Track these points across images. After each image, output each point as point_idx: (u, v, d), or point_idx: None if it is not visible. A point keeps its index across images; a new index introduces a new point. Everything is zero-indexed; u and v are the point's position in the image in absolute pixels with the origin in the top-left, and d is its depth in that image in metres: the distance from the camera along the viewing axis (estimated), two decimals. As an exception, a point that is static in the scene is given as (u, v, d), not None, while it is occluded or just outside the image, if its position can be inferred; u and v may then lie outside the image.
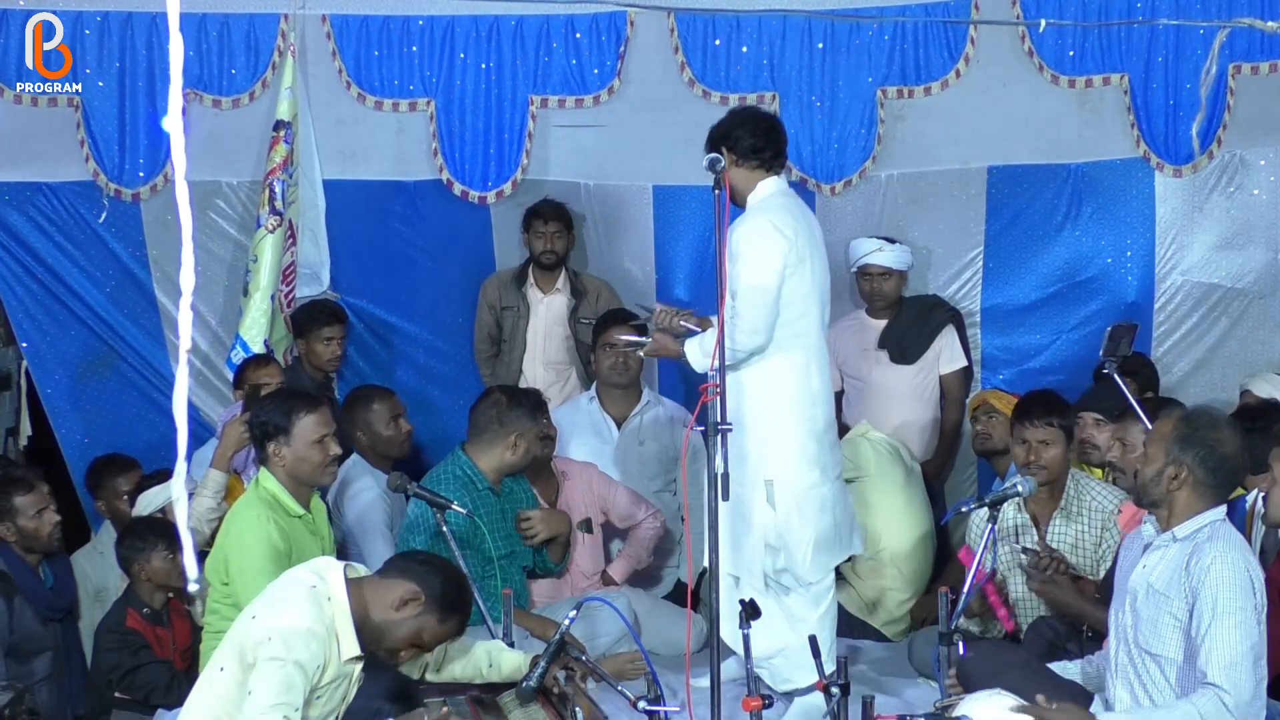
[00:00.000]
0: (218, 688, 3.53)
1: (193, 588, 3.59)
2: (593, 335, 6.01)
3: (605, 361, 5.85)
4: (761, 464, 4.52)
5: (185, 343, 1.99)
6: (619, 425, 5.92)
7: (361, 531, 5.26)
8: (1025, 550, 4.62)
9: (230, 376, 6.05)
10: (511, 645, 4.20)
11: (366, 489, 5.31)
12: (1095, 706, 3.71)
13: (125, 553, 4.86)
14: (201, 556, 4.41)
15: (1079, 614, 4.41)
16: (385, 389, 5.70)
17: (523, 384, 6.21)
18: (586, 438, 5.90)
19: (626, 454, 5.86)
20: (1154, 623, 3.61)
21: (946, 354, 6.19)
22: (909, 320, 6.17)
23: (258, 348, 5.95)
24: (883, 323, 6.19)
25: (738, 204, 4.55)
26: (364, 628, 3.60)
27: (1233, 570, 3.51)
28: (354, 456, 5.39)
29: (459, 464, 5.01)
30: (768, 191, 4.61)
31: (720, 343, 4.07)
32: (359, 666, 3.67)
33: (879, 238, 6.12)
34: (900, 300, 6.20)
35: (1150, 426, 4.34)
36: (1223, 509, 3.67)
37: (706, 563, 4.20)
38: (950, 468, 6.29)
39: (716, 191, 4.23)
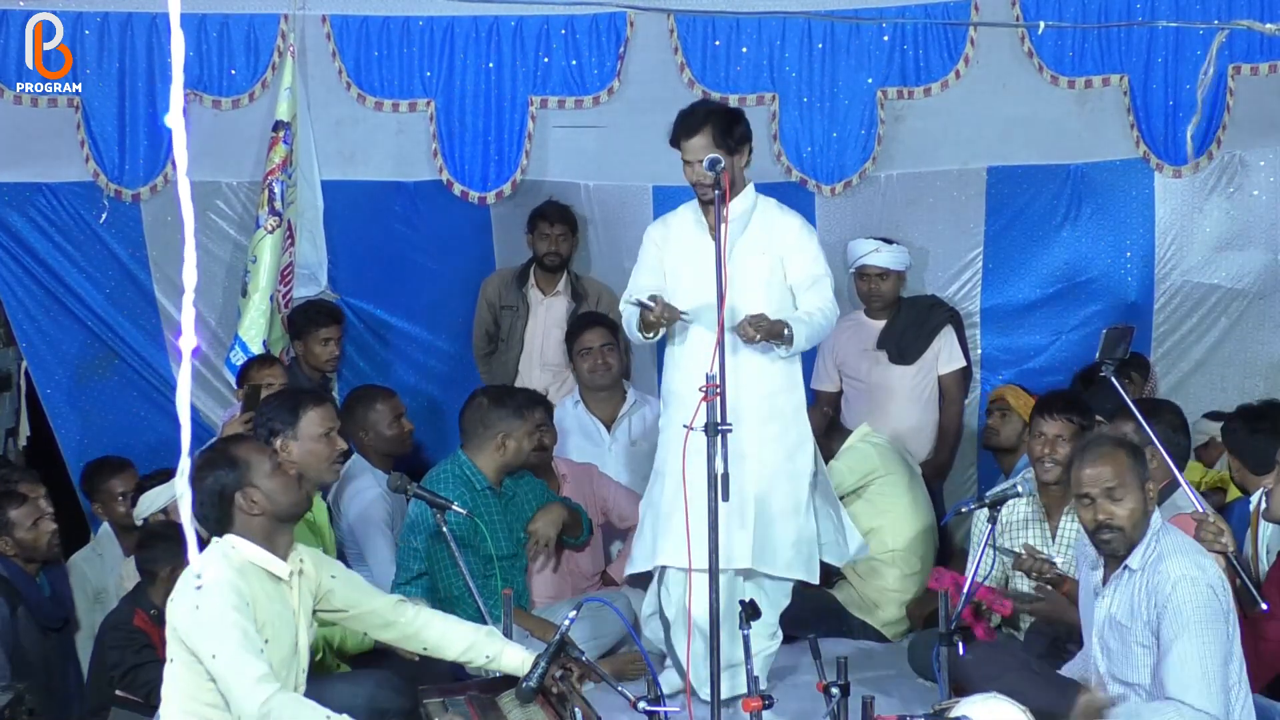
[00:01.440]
0: (177, 680, 3.56)
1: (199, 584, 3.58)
2: (567, 340, 6.02)
3: (584, 365, 5.87)
4: (808, 450, 4.68)
5: (189, 339, 1.97)
6: (608, 427, 5.92)
7: (363, 530, 5.27)
8: (1007, 551, 4.61)
9: (229, 377, 6.05)
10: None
11: (367, 488, 5.32)
12: None
13: (155, 554, 4.82)
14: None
15: (1074, 623, 4.39)
16: (387, 389, 5.71)
17: (519, 384, 6.21)
18: (578, 440, 5.91)
19: (619, 455, 5.85)
20: (1124, 655, 3.64)
21: (945, 354, 6.19)
22: (908, 321, 6.17)
23: (256, 348, 5.94)
24: (881, 323, 6.19)
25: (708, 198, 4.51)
26: (273, 541, 3.63)
27: (1194, 587, 3.52)
28: (355, 456, 5.40)
29: (459, 464, 5.02)
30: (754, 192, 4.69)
31: (720, 343, 4.09)
32: (295, 597, 3.66)
33: (876, 238, 6.12)
34: (899, 301, 6.21)
35: (1146, 426, 4.35)
36: (1157, 517, 3.69)
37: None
38: (950, 468, 6.29)
39: (716, 191, 4.24)
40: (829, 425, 5.81)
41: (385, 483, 5.04)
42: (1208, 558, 3.66)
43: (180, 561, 4.74)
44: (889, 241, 6.12)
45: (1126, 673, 3.63)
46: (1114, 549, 3.68)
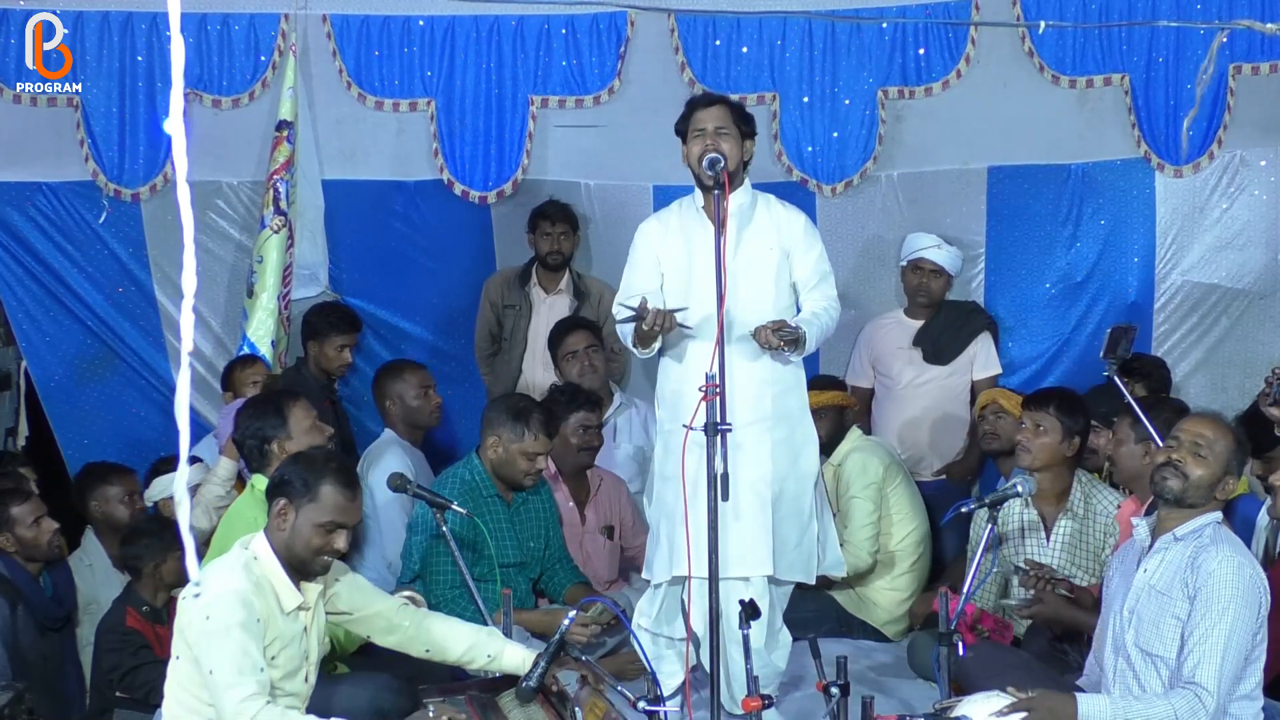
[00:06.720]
0: (179, 677, 3.57)
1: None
2: (551, 347, 6.00)
3: (573, 369, 5.84)
4: (813, 451, 4.55)
5: (187, 344, 1.98)
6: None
7: (387, 515, 5.22)
8: (1017, 569, 4.62)
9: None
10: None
11: (395, 461, 5.28)
12: None
13: (138, 550, 4.83)
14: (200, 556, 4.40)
15: (1072, 624, 4.39)
16: (415, 362, 5.76)
17: (521, 383, 6.21)
18: None
19: (603, 457, 5.78)
20: (1156, 624, 3.61)
21: (981, 360, 6.18)
22: (946, 322, 6.17)
23: (265, 349, 5.93)
24: (919, 323, 6.19)
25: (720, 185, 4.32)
26: (292, 565, 3.62)
27: (1238, 575, 3.52)
28: (386, 432, 5.51)
29: (470, 468, 4.96)
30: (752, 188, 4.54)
31: (720, 342, 4.05)
32: (309, 616, 3.66)
33: (937, 235, 6.13)
34: (941, 303, 6.20)
35: (1151, 429, 4.33)
36: (1219, 511, 3.68)
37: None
38: (981, 470, 6.21)
39: (716, 191, 4.23)
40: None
41: (395, 470, 4.99)
42: (1256, 560, 3.67)
43: (164, 556, 4.77)
44: (949, 242, 6.13)
45: (1154, 644, 3.60)
46: (1166, 489, 3.66)
